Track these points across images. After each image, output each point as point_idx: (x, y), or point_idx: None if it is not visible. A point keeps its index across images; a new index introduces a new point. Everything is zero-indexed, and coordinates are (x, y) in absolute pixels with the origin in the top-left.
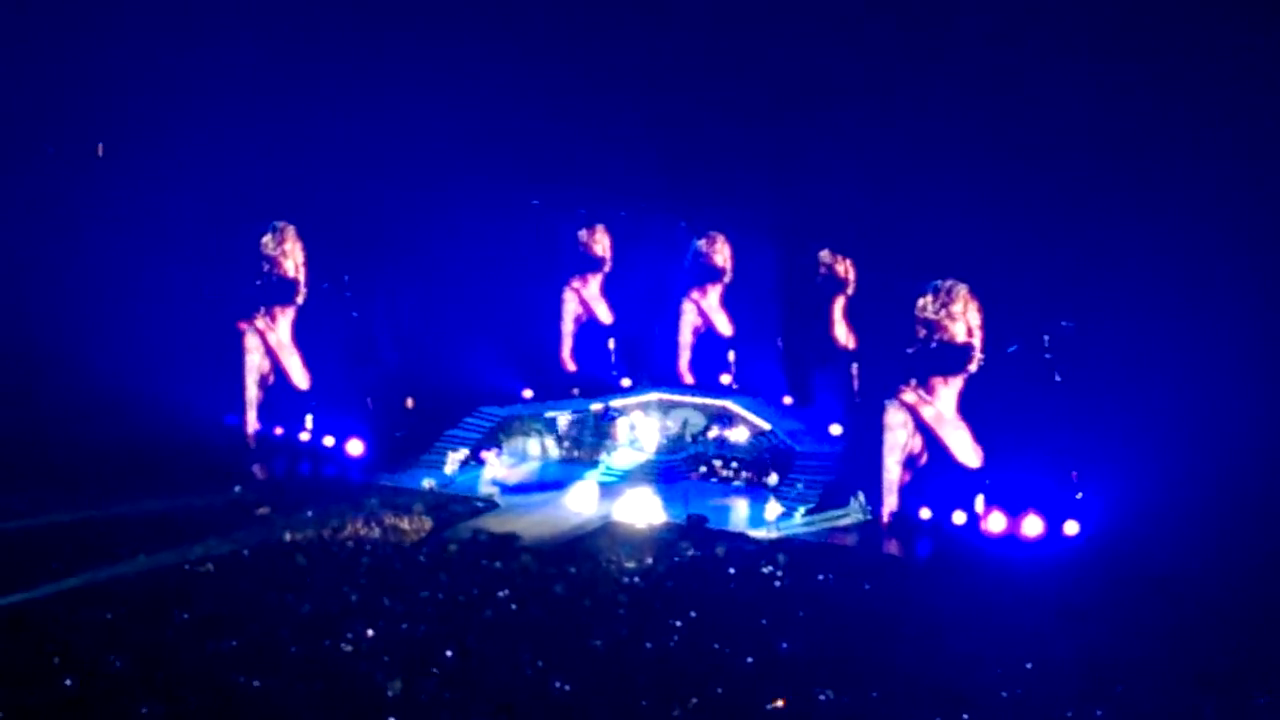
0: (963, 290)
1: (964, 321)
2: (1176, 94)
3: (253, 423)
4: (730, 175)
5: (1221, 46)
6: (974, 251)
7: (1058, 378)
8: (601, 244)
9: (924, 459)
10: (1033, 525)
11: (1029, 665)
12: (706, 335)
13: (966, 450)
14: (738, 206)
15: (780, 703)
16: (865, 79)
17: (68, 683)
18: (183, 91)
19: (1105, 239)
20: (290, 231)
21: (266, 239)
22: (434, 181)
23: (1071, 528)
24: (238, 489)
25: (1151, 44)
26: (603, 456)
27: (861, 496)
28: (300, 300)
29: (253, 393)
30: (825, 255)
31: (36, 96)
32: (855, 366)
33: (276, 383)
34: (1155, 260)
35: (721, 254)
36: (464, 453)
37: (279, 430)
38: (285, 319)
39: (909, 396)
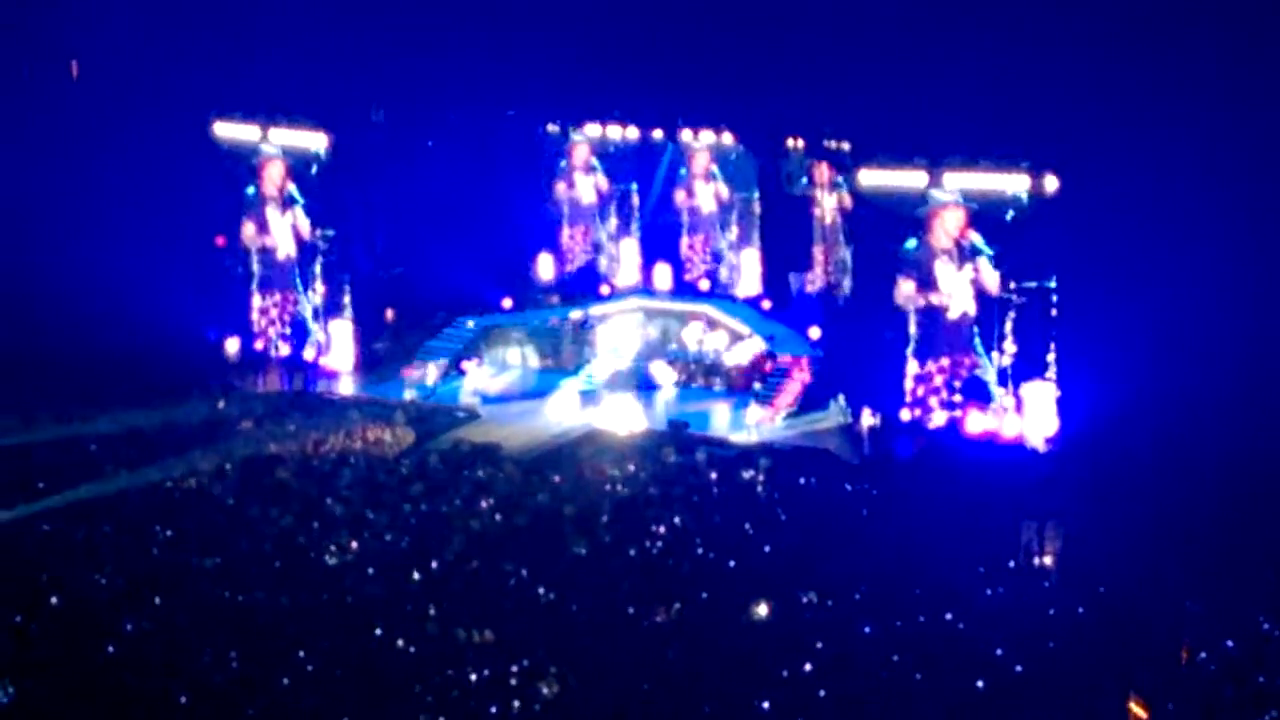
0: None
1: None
2: None
3: (235, 338)
4: (708, 77)
5: None
6: (959, 147)
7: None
8: (580, 151)
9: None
10: (1012, 426)
11: (1011, 564)
12: (688, 240)
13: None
14: (716, 109)
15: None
16: None
17: (53, 600)
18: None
19: (1098, 140)
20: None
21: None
22: (411, 89)
23: (1050, 428)
24: (220, 404)
25: None
26: (585, 365)
27: (842, 399)
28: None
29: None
30: (799, 148)
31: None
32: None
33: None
34: (1142, 163)
35: (701, 157)
36: (444, 363)
37: (260, 344)
38: None
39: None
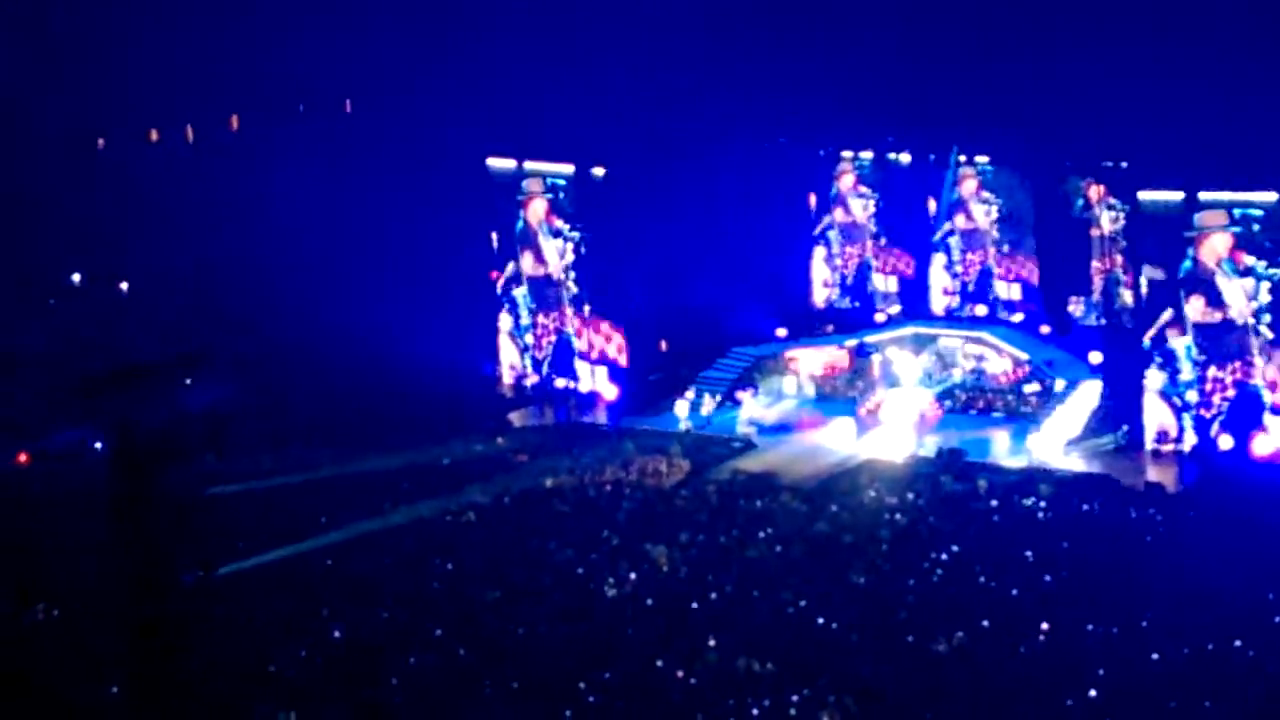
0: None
1: None
2: None
3: (509, 372)
4: (982, 101)
5: None
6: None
7: None
8: (848, 178)
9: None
10: None
11: None
12: (963, 265)
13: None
14: (992, 133)
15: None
16: None
17: (336, 634)
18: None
19: None
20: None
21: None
22: (684, 119)
23: None
24: (499, 439)
25: None
26: (874, 396)
27: (1125, 428)
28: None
29: (509, 344)
30: (1084, 185)
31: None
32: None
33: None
34: None
35: (975, 181)
36: (720, 394)
37: (535, 378)
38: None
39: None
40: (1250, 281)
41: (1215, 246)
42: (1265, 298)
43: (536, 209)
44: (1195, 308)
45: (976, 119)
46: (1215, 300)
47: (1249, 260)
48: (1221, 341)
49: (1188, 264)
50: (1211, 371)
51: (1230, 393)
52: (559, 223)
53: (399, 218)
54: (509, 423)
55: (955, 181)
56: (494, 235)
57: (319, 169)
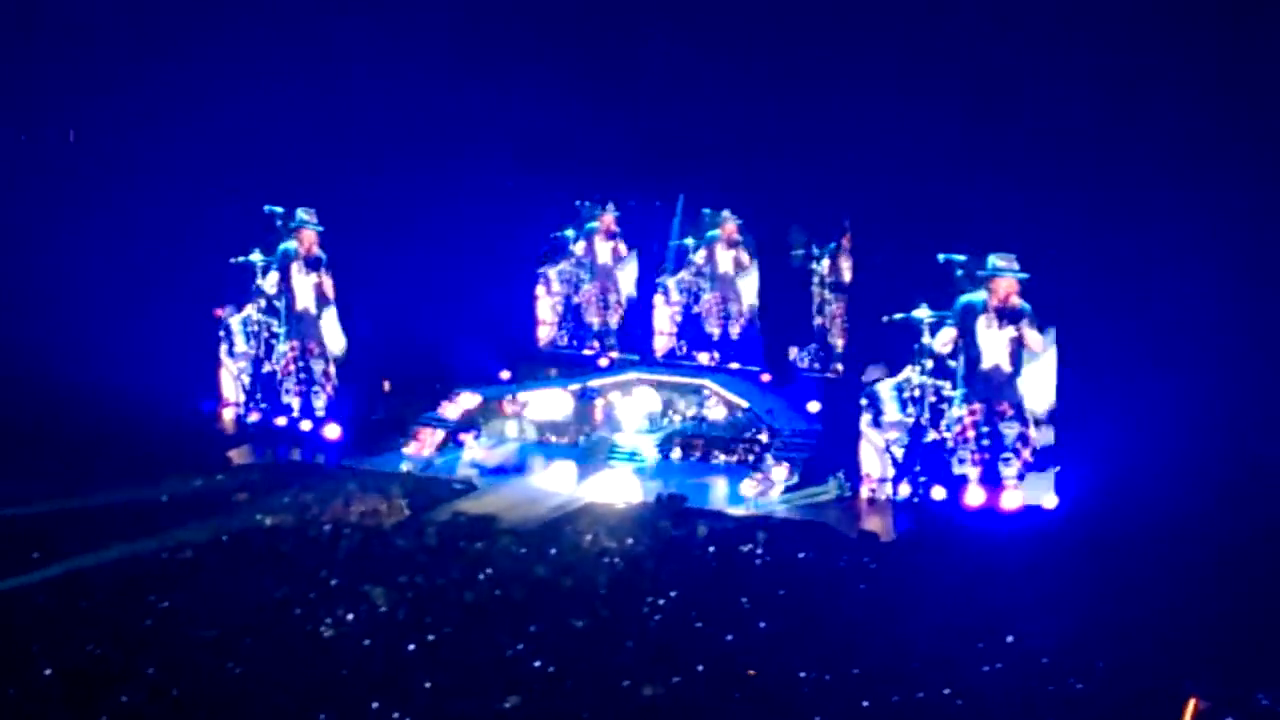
0: None
1: None
2: None
3: (229, 409)
4: (709, 152)
5: None
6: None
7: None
8: (594, 223)
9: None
10: (1011, 499)
11: (1009, 639)
12: (689, 313)
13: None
14: (724, 182)
15: (751, 672)
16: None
17: (46, 672)
18: (152, 73)
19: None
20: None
21: None
22: (413, 160)
23: (1050, 501)
24: (219, 476)
25: None
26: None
27: (841, 475)
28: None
29: (229, 379)
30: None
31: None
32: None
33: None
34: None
35: (707, 227)
36: (442, 435)
37: (255, 416)
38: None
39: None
40: (1011, 330)
41: (999, 290)
42: (1039, 345)
43: (305, 238)
44: (941, 347)
45: (712, 167)
46: (969, 347)
47: (1020, 304)
48: (962, 387)
49: (965, 302)
50: (943, 415)
51: (951, 442)
52: (318, 252)
53: (123, 248)
54: (229, 460)
55: (682, 228)
56: (228, 267)
57: (42, 197)
